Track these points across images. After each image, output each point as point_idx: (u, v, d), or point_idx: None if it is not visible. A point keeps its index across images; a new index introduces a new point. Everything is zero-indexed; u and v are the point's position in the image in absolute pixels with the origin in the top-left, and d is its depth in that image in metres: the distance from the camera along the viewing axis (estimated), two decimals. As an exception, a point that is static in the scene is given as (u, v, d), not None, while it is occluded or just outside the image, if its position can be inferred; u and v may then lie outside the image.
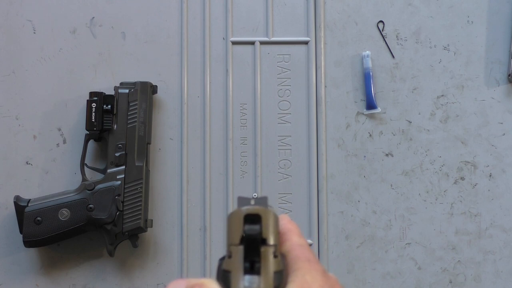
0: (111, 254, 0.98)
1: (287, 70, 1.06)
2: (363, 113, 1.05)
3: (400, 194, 1.03)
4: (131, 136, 1.00)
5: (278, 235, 0.44)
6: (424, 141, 1.04)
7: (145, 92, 1.01)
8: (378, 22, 1.06)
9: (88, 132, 1.00)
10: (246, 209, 0.43)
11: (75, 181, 1.02)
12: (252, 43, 1.06)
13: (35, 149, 1.04)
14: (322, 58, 1.05)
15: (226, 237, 0.44)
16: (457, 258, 1.02)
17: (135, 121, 1.00)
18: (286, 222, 0.46)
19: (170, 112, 1.05)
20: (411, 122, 1.04)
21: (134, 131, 1.00)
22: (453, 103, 1.05)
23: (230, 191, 1.03)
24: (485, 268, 1.02)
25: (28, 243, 0.98)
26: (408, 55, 1.05)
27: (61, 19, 1.06)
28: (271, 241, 0.42)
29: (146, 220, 0.99)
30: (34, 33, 1.06)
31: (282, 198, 1.03)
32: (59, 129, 1.04)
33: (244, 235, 0.42)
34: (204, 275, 1.01)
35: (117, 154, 0.99)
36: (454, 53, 1.05)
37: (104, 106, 1.00)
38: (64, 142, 1.04)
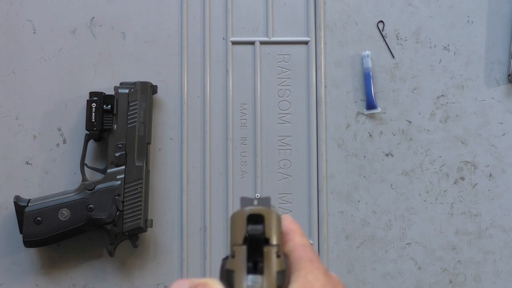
0: (111, 254, 0.98)
1: (287, 70, 1.06)
2: (363, 113, 1.05)
3: (400, 194, 1.03)
4: (131, 136, 1.00)
5: (281, 235, 0.44)
6: (424, 141, 1.04)
7: (145, 92, 1.01)
8: (378, 22, 1.06)
9: (88, 132, 1.00)
10: (249, 209, 0.43)
11: (75, 181, 1.02)
12: (252, 43, 1.06)
13: (35, 149, 1.04)
14: (322, 58, 1.05)
15: (229, 237, 0.44)
16: (457, 258, 1.02)
17: (135, 121, 1.00)
18: (289, 222, 0.46)
19: (170, 112, 1.05)
20: (411, 122, 1.04)
21: (134, 131, 1.00)
22: (453, 103, 1.05)
23: (230, 191, 1.03)
24: (485, 268, 1.02)
25: (28, 243, 0.98)
26: (408, 55, 1.05)
27: (61, 19, 1.06)
28: (274, 241, 0.43)
29: (146, 220, 0.99)
30: (34, 33, 1.06)
31: (282, 198, 1.04)
32: (59, 129, 1.04)
33: (247, 235, 0.42)
34: (204, 275, 1.01)
35: (117, 154, 0.99)
36: (454, 53, 1.05)
37: (104, 106, 1.00)
38: (64, 142, 1.04)
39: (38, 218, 0.97)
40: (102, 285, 1.02)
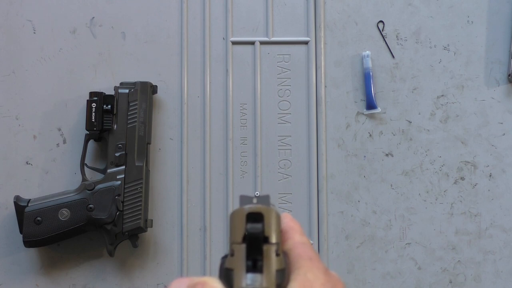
0: (111, 254, 0.98)
1: (287, 70, 1.06)
2: (363, 113, 1.05)
3: (400, 194, 1.03)
4: (131, 136, 1.00)
5: (280, 233, 0.44)
6: (424, 141, 1.04)
7: (145, 92, 1.01)
8: (378, 22, 1.06)
9: (88, 132, 1.00)
10: (248, 207, 0.43)
11: (75, 181, 1.02)
12: (252, 43, 1.06)
13: (35, 149, 1.04)
14: (322, 58, 1.05)
15: (228, 235, 0.44)
16: (457, 258, 1.02)
17: (135, 121, 1.00)
18: (288, 220, 0.46)
19: (170, 112, 1.05)
20: (411, 122, 1.04)
21: (134, 131, 1.00)
22: (453, 103, 1.05)
23: (230, 191, 1.03)
24: (485, 268, 1.02)
25: (28, 243, 0.98)
26: (408, 55, 1.05)
27: (61, 19, 1.06)
28: (274, 239, 0.43)
29: (146, 220, 0.99)
30: (34, 33, 1.06)
31: (282, 198, 1.03)
32: (59, 129, 1.04)
33: (246, 233, 0.42)
34: (204, 275, 1.01)
35: (117, 154, 0.99)
36: (454, 53, 1.05)
37: (104, 106, 1.00)
38: (64, 142, 1.04)
39: (38, 218, 0.97)
40: (102, 285, 1.02)
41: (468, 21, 1.06)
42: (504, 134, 1.04)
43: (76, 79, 1.05)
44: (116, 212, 0.97)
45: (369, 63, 1.04)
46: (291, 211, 1.03)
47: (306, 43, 1.06)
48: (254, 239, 0.42)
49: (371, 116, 1.05)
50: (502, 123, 1.04)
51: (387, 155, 1.04)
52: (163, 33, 1.06)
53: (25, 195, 1.00)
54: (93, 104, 1.00)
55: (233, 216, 0.43)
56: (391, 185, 1.04)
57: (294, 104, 1.05)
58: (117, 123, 1.00)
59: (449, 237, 1.03)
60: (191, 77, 1.06)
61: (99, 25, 1.06)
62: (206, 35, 1.06)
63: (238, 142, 1.05)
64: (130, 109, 1.00)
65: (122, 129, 1.00)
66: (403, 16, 1.06)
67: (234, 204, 1.03)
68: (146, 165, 1.00)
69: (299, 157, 1.04)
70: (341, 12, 1.06)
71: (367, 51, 1.05)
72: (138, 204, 0.98)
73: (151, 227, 1.01)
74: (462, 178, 1.03)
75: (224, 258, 0.43)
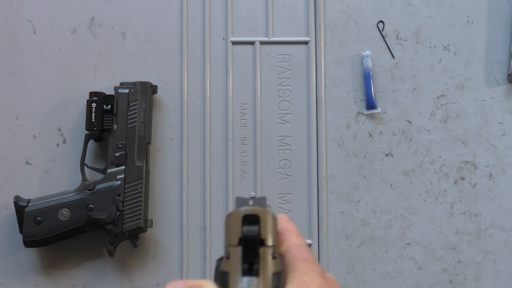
0: (111, 254, 0.98)
1: (287, 70, 1.06)
2: (363, 113, 1.05)
3: (400, 194, 1.03)
4: (131, 136, 1.00)
5: (277, 235, 0.44)
6: (424, 141, 1.04)
7: (145, 92, 1.01)
8: (378, 22, 1.06)
9: (88, 132, 1.00)
10: (244, 209, 0.43)
11: (75, 181, 1.02)
12: (252, 43, 1.06)
13: (35, 149, 1.04)
14: (322, 58, 1.05)
15: (224, 238, 0.43)
16: (457, 258, 1.02)
17: (135, 121, 1.00)
18: (284, 222, 0.45)
19: (170, 112, 1.05)
20: (411, 122, 1.04)
21: (134, 131, 1.00)
22: (453, 103, 1.05)
23: (230, 191, 1.03)
24: (485, 268, 1.02)
25: (28, 243, 0.98)
26: (408, 55, 1.05)
27: (61, 19, 1.06)
28: (270, 242, 0.42)
29: (146, 220, 0.99)
30: (34, 33, 1.06)
31: (282, 198, 1.03)
32: (59, 129, 1.04)
33: (242, 236, 0.42)
34: (204, 275, 1.01)
35: (117, 154, 0.99)
36: (454, 53, 1.05)
37: (104, 106, 1.00)
38: (64, 142, 1.04)
39: (38, 218, 0.97)
40: (102, 285, 1.02)
41: (468, 21, 1.06)
42: (504, 134, 1.04)
43: (76, 79, 1.05)
44: (116, 212, 0.97)
45: (369, 63, 1.04)
46: (291, 211, 1.03)
47: (306, 43, 1.06)
48: (250, 241, 0.42)
49: (371, 116, 1.05)
50: (502, 123, 1.04)
51: (387, 155, 1.04)
52: (163, 33, 1.06)
53: (25, 195, 1.00)
54: (93, 104, 1.00)
55: (229, 218, 0.43)
56: (391, 185, 1.04)
57: (294, 104, 1.05)
58: (117, 123, 1.00)
59: (449, 237, 1.03)
60: (191, 77, 1.06)
61: (99, 25, 1.06)
62: (206, 35, 1.06)
63: (238, 142, 1.05)
64: (130, 109, 1.00)
65: (122, 129, 1.00)
66: (403, 16, 1.06)
67: (234, 204, 1.03)
68: (146, 165, 1.00)
69: (299, 157, 1.04)
70: (341, 12, 1.06)
71: (367, 51, 1.05)
72: (138, 204, 0.98)
73: (151, 227, 1.01)
74: (462, 178, 1.03)
75: (220, 261, 0.42)
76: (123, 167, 0.99)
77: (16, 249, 1.02)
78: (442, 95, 1.05)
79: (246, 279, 0.41)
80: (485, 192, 1.03)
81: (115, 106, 1.00)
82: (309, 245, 1.02)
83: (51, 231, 0.98)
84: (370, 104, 1.04)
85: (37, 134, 1.04)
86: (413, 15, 1.06)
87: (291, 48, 1.06)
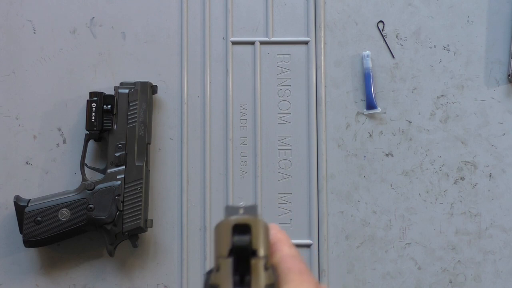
0: (111, 254, 0.98)
1: (287, 70, 1.06)
2: (363, 113, 1.05)
3: (400, 194, 1.03)
4: (131, 136, 1.00)
5: (269, 246, 0.42)
6: (424, 141, 1.04)
7: (145, 92, 1.01)
8: (378, 22, 1.06)
9: (88, 132, 1.00)
10: (235, 218, 0.41)
11: (75, 181, 1.02)
12: (252, 43, 1.06)
13: (35, 149, 1.04)
14: (322, 58, 1.05)
15: (213, 248, 0.41)
16: (457, 258, 1.02)
17: (135, 121, 1.00)
18: (276, 232, 0.44)
19: (170, 112, 1.05)
20: (411, 122, 1.04)
21: (134, 131, 1.00)
22: (453, 103, 1.05)
23: (230, 191, 1.03)
24: (485, 268, 1.02)
25: (28, 243, 0.98)
26: (408, 55, 1.05)
27: (61, 19, 1.06)
28: (262, 252, 0.40)
29: (146, 220, 0.99)
30: (34, 33, 1.06)
31: (282, 198, 1.03)
32: (59, 129, 1.04)
33: (233, 246, 0.40)
34: (204, 275, 1.01)
35: (117, 154, 0.99)
36: (454, 53, 1.05)
37: (104, 106, 1.00)
38: (64, 142, 1.04)
39: (38, 218, 0.97)
40: (102, 285, 1.02)
41: (468, 21, 1.06)
42: (504, 134, 1.04)
43: (76, 79, 1.05)
44: (116, 212, 0.97)
45: (369, 63, 1.04)
46: (291, 211, 1.03)
47: (306, 43, 1.06)
48: (241, 252, 0.39)
49: (371, 116, 1.05)
50: (502, 123, 1.04)
51: (387, 155, 1.04)
52: (163, 33, 1.06)
53: (25, 195, 1.00)
54: (93, 104, 1.00)
55: (219, 228, 0.41)
56: (391, 185, 1.04)
57: (294, 104, 1.05)
58: (117, 123, 1.00)
59: (449, 237, 1.03)
60: (191, 77, 1.05)
61: (99, 25, 1.06)
62: (206, 35, 1.06)
63: (238, 142, 1.05)
64: (130, 109, 1.00)
65: (122, 129, 1.00)
66: (403, 16, 1.06)
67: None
68: (146, 165, 1.00)
69: (299, 157, 1.04)
70: (341, 12, 1.06)
71: (367, 51, 1.05)
72: (138, 204, 0.98)
73: (151, 227, 1.01)
74: (462, 178, 1.03)
75: (209, 273, 0.40)
76: (123, 167, 0.99)
77: (16, 249, 1.02)
78: (442, 95, 1.05)
79: None
80: (485, 192, 1.03)
81: (115, 106, 1.00)
82: (309, 245, 1.02)
83: (51, 231, 0.98)
84: (370, 104, 1.04)
85: (37, 134, 1.04)
86: (413, 15, 1.06)
87: (291, 48, 1.06)
